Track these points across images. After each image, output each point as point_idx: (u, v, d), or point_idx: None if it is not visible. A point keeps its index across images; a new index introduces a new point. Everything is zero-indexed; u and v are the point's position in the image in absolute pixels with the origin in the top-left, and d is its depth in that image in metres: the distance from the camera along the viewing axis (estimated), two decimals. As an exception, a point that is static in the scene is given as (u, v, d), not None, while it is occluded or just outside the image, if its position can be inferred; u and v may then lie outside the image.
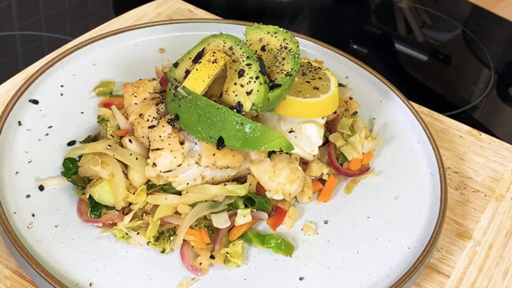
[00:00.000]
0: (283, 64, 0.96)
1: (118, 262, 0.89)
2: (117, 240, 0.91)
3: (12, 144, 1.00)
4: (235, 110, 0.90)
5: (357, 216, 0.99)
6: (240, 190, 0.92)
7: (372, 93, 1.19)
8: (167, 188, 0.93)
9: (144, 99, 0.98)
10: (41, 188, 0.96)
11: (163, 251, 0.90)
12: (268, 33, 1.01)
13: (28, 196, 0.94)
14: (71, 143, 1.02)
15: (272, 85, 0.92)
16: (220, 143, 0.89)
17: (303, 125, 0.99)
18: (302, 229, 0.97)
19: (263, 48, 0.99)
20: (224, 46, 0.95)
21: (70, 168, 0.97)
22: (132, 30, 1.21)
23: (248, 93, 0.90)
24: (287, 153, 0.96)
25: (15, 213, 0.92)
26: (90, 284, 0.86)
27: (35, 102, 1.07)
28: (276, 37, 1.00)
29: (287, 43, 0.99)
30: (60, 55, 1.14)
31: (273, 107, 0.93)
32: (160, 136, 0.91)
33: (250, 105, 0.90)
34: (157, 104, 0.96)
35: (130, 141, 0.95)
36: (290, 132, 0.99)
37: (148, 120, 0.95)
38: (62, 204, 0.94)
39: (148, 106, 0.96)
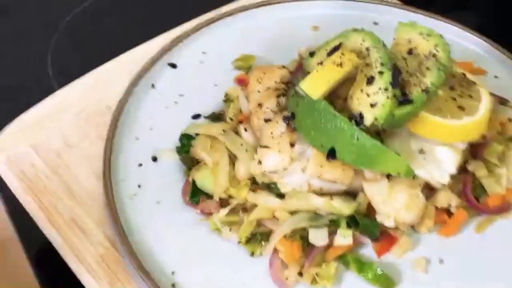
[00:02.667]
0: (424, 76, 0.83)
1: (207, 252, 0.85)
2: (211, 230, 0.87)
3: (140, 107, 1.00)
4: (354, 121, 0.80)
5: (482, 263, 0.85)
6: (346, 209, 0.83)
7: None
8: (272, 188, 0.87)
9: (268, 88, 0.92)
10: (154, 159, 0.95)
11: (252, 254, 0.85)
12: (421, 34, 0.88)
13: (140, 165, 0.94)
14: (196, 116, 0.99)
15: (402, 100, 0.80)
16: (331, 154, 0.80)
17: (436, 147, 0.86)
18: (411, 263, 0.85)
19: (409, 52, 0.87)
20: (361, 44, 0.85)
21: (185, 145, 0.94)
22: (286, 3, 1.14)
23: (372, 105, 0.79)
24: (410, 176, 0.84)
25: (123, 180, 0.91)
26: (172, 273, 0.83)
27: (174, 66, 1.06)
28: (427, 40, 0.87)
29: (438, 51, 0.86)
30: (208, 21, 1.11)
31: (398, 125, 0.82)
32: (271, 133, 0.85)
33: (371, 119, 0.79)
34: (278, 96, 0.90)
35: (245, 129, 0.90)
36: (420, 152, 0.86)
37: (265, 112, 0.88)
38: (170, 180, 0.92)
39: (269, 97, 0.90)
